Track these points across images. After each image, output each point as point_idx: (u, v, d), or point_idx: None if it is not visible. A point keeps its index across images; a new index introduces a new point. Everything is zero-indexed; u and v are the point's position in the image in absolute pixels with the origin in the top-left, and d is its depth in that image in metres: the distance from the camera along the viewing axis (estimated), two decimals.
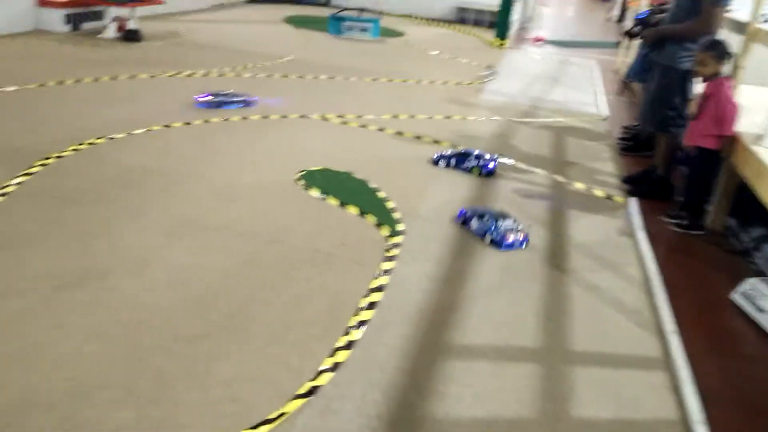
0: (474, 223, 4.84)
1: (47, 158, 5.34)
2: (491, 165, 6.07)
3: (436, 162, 6.20)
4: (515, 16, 15.40)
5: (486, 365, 3.37)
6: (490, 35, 14.79)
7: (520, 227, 4.83)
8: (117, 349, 3.15)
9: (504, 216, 4.92)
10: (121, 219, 4.46)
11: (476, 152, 6.18)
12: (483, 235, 4.73)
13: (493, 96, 9.48)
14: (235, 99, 7.35)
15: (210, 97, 7.24)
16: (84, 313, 3.40)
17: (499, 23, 14.39)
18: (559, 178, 6.21)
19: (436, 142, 6.92)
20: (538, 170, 6.37)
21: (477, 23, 17.54)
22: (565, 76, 11.72)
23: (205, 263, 4.03)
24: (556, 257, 4.63)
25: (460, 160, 6.12)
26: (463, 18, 17.84)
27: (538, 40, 15.81)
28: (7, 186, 4.75)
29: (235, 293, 3.74)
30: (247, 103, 7.28)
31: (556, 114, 8.75)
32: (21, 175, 4.95)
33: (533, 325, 3.78)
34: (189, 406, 2.84)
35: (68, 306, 3.45)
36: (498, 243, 4.64)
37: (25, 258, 3.86)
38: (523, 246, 4.69)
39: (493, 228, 4.72)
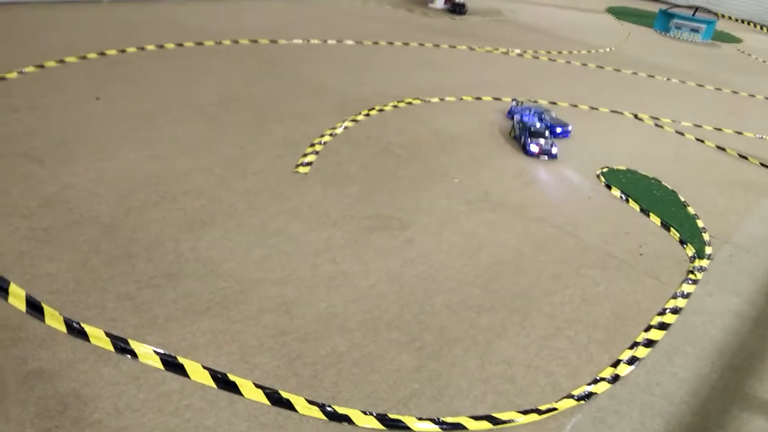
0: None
1: (371, 109, 5.82)
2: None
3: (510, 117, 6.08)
4: None
5: None
6: None
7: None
8: (408, 296, 3.33)
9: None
10: (428, 178, 4.69)
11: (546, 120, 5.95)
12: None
13: None
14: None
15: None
16: (384, 256, 3.65)
17: None
18: None
19: (764, 165, 6.05)
20: None
21: None
22: None
23: (499, 238, 4.05)
24: None
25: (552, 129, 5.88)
26: None
27: None
28: (337, 128, 5.29)
29: (523, 275, 3.70)
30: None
31: None
32: (349, 120, 5.48)
33: None
34: (465, 371, 2.89)
35: (372, 246, 3.73)
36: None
37: (345, 195, 4.27)
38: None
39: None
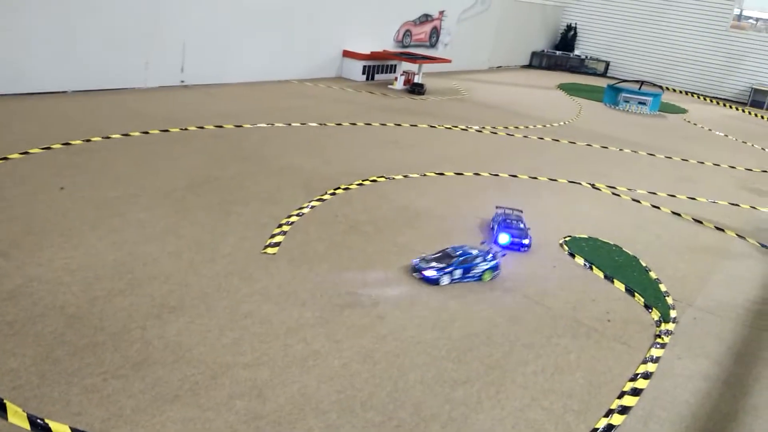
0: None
1: (337, 188, 5.92)
2: (497, 261, 4.60)
3: (432, 280, 4.34)
4: None
5: None
6: None
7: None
8: (382, 374, 3.31)
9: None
10: (396, 253, 4.74)
11: (475, 251, 4.57)
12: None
13: None
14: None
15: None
16: (356, 333, 3.64)
17: None
18: None
19: (719, 228, 6.28)
20: None
21: None
22: None
23: (470, 310, 4.08)
24: None
25: (465, 269, 4.45)
26: (756, 101, 16.22)
27: None
28: (304, 208, 5.35)
29: (496, 346, 3.71)
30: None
31: None
32: (315, 200, 5.55)
33: None
34: None
35: (343, 323, 3.72)
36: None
37: (314, 273, 4.28)
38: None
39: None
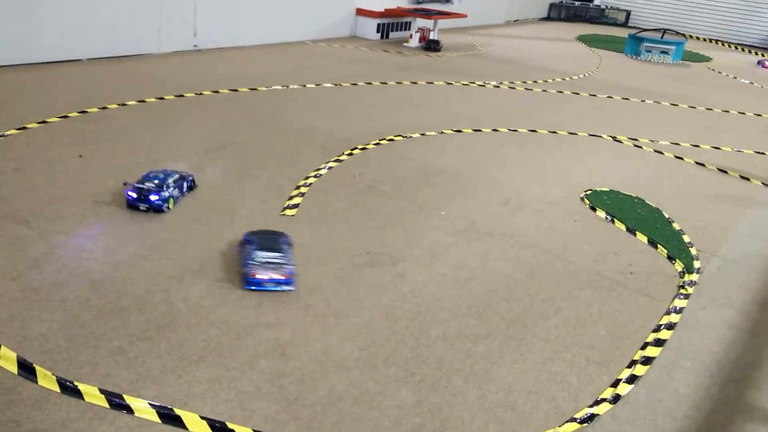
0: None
1: (354, 149, 5.88)
2: None
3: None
4: None
5: None
6: None
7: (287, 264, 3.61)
8: (403, 330, 3.32)
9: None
10: (416, 212, 4.72)
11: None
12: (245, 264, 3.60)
13: None
14: None
15: None
16: (376, 292, 3.65)
17: None
18: None
19: (744, 177, 6.16)
20: None
21: None
22: None
23: (490, 267, 4.07)
24: None
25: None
26: None
27: None
28: (321, 169, 5.33)
29: (516, 301, 3.70)
30: None
31: None
32: (332, 161, 5.53)
33: None
34: (466, 401, 2.87)
35: (364, 282, 3.73)
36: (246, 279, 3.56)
37: (333, 234, 4.28)
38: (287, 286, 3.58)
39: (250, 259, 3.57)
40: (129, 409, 2.62)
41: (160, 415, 2.61)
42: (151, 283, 3.51)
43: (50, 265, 3.58)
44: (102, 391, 2.69)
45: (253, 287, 3.53)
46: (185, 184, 4.59)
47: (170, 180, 4.43)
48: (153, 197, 4.26)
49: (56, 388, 2.68)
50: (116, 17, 8.25)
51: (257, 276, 3.51)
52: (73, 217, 4.14)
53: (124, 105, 6.50)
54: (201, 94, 7.19)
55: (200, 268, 3.70)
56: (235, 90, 7.47)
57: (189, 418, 2.62)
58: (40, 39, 7.63)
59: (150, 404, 2.66)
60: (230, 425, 2.60)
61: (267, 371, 2.93)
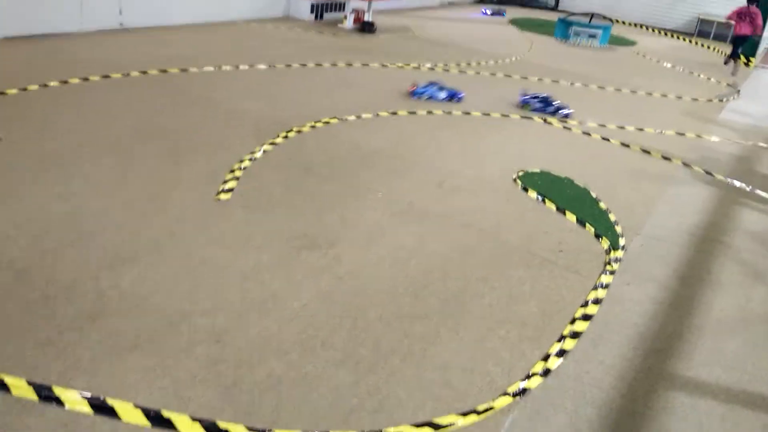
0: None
1: (289, 131, 5.83)
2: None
3: (525, 102, 7.49)
4: None
5: (716, 406, 3.05)
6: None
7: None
8: (341, 313, 3.34)
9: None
10: (352, 194, 4.73)
11: (555, 102, 7.45)
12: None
13: (734, 116, 8.61)
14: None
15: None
16: (313, 275, 3.65)
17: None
18: None
19: (665, 158, 6.45)
20: None
21: (719, 38, 16.06)
22: None
23: (426, 247, 4.13)
24: None
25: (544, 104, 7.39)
26: (703, 31, 16.44)
27: None
28: (256, 152, 5.26)
29: (452, 281, 3.78)
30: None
31: None
32: (268, 144, 5.46)
33: None
34: (404, 380, 2.92)
35: (300, 265, 3.73)
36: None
37: (269, 217, 4.25)
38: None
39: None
40: (59, 401, 2.55)
41: (92, 405, 2.55)
42: (79, 271, 3.40)
43: None
44: (30, 383, 2.60)
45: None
46: None
47: None
48: None
49: None
50: None
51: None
52: None
53: (45, 86, 6.21)
54: (128, 74, 6.94)
55: (132, 255, 3.61)
56: (165, 71, 7.24)
57: (122, 407, 2.56)
58: None
59: (81, 395, 2.59)
60: (165, 413, 2.57)
61: (203, 358, 2.89)
